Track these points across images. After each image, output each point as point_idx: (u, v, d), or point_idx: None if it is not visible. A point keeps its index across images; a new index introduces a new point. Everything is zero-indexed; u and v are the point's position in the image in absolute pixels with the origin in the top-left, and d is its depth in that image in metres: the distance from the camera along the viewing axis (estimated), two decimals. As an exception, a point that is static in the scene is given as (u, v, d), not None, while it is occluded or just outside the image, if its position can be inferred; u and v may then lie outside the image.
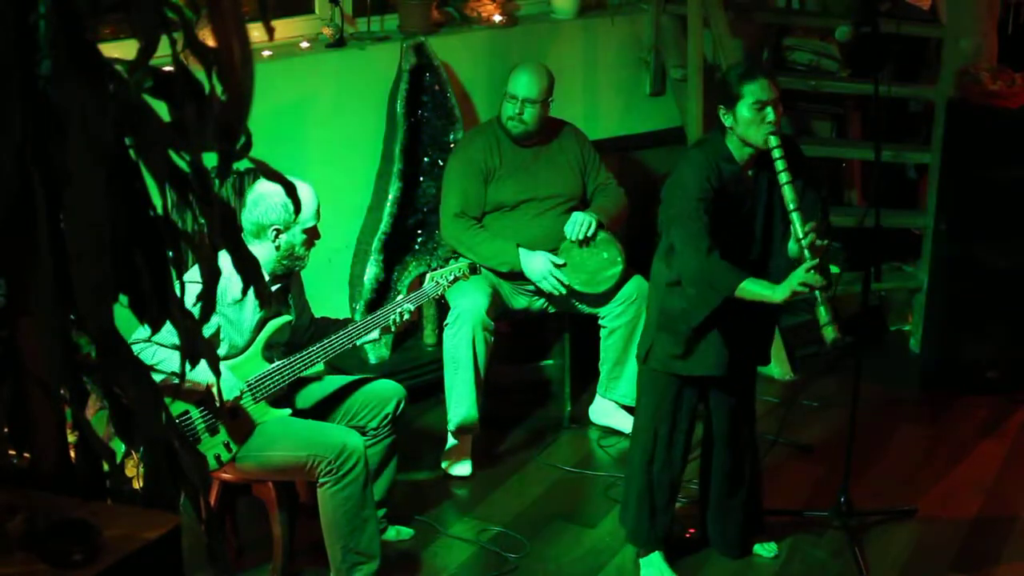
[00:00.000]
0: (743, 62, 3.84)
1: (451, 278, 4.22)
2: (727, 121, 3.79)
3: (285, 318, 3.92)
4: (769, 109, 3.73)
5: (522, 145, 4.96)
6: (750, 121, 3.74)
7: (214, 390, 3.68)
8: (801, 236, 3.68)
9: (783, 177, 3.72)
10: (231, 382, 3.76)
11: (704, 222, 3.72)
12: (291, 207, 3.76)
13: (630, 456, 4.15)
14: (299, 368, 3.90)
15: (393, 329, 4.04)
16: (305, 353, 3.91)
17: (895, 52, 6.04)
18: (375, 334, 4.04)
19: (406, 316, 4.04)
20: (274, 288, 3.91)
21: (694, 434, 4.08)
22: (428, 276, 4.23)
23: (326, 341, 3.93)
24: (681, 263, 3.78)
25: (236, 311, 3.81)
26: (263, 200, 3.82)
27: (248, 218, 3.85)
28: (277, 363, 3.88)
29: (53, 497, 2.24)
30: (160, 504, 2.28)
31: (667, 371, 3.95)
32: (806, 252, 3.67)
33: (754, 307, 3.85)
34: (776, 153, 3.73)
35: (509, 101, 4.90)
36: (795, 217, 3.70)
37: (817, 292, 3.65)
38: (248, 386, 3.82)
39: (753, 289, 3.70)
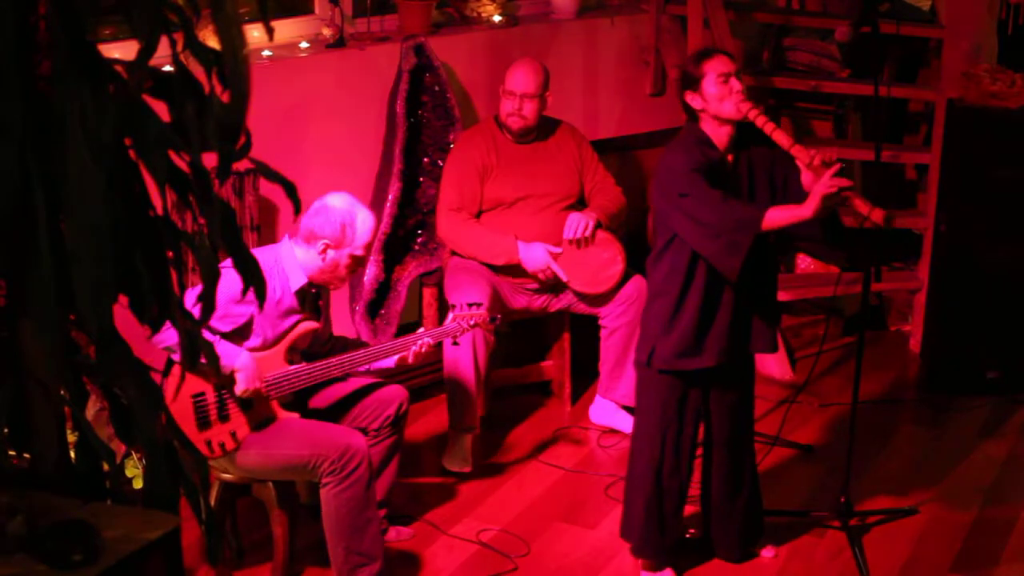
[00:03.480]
0: (697, 50, 3.94)
1: (472, 323, 4.21)
2: (696, 104, 3.82)
3: (313, 324, 3.95)
4: (734, 80, 3.77)
5: (520, 142, 4.98)
6: (719, 96, 3.77)
7: (237, 376, 3.73)
8: (809, 160, 3.69)
9: (768, 127, 3.74)
10: (254, 372, 3.78)
11: (705, 182, 3.72)
12: (348, 230, 3.87)
13: (633, 465, 4.09)
14: (316, 376, 3.93)
15: (411, 360, 4.05)
16: (324, 363, 3.93)
17: (895, 52, 6.04)
18: (392, 360, 4.06)
19: (424, 351, 4.06)
20: (312, 291, 3.98)
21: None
22: (451, 315, 4.22)
23: (346, 356, 3.97)
24: (701, 224, 3.72)
25: (275, 307, 3.85)
26: (326, 212, 3.88)
27: (306, 223, 3.90)
28: (296, 367, 3.90)
29: (53, 497, 2.24)
30: (160, 504, 2.28)
31: (672, 371, 3.92)
32: (822, 167, 3.66)
33: (754, 291, 3.86)
34: (752, 114, 3.75)
35: (507, 97, 4.91)
36: (796, 150, 3.72)
37: (847, 193, 3.65)
38: (266, 383, 3.84)
39: (781, 215, 3.71)
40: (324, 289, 4.06)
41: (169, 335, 3.61)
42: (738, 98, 3.77)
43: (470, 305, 4.26)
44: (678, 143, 3.87)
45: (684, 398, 3.97)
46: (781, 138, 3.74)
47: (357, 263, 3.98)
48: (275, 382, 3.87)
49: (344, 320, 5.09)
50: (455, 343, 4.34)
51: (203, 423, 3.76)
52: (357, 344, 4.15)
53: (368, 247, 3.98)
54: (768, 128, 3.74)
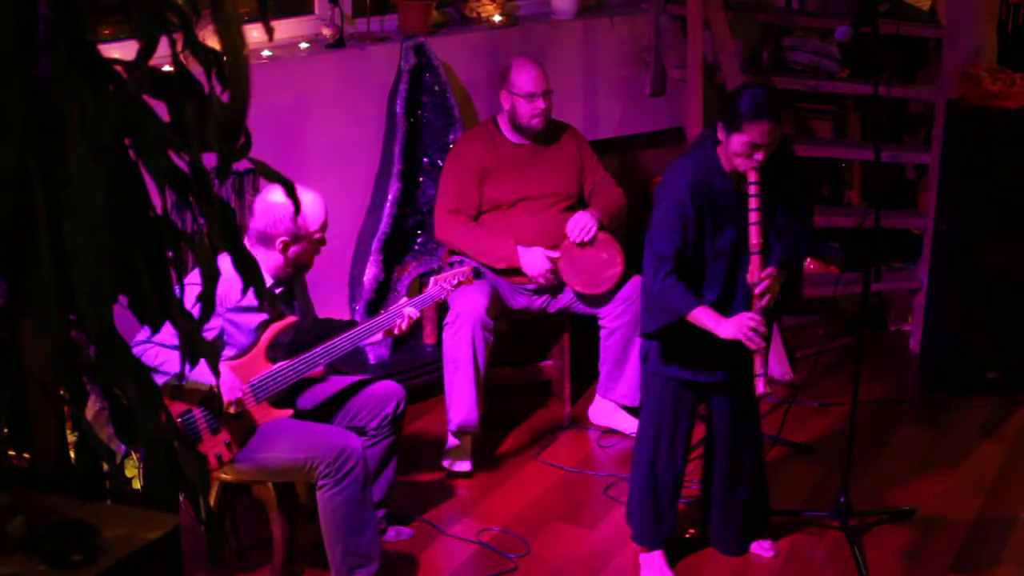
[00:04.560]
0: (757, 93, 3.82)
1: (455, 282, 4.22)
2: (720, 136, 3.84)
3: (289, 319, 3.93)
4: (760, 154, 3.77)
5: (536, 142, 4.97)
6: (738, 154, 3.79)
7: (216, 390, 3.70)
8: (757, 279, 3.79)
9: (752, 216, 3.79)
10: (232, 383, 3.77)
11: (674, 240, 3.80)
12: (301, 220, 3.83)
13: (634, 456, 4.17)
14: (302, 369, 3.91)
15: (396, 332, 4.05)
16: (309, 355, 3.91)
17: (895, 52, 6.04)
18: (378, 336, 4.05)
19: (410, 319, 4.05)
20: (277, 291, 3.93)
21: (693, 433, 4.10)
22: (432, 280, 4.23)
23: (329, 343, 3.94)
24: (644, 276, 3.91)
25: (239, 313, 3.82)
26: (273, 210, 3.83)
27: (255, 226, 3.86)
28: (280, 364, 3.89)
29: (53, 497, 2.24)
30: (160, 504, 2.28)
31: (666, 375, 3.97)
32: (756, 300, 3.78)
33: (748, 308, 3.88)
34: (753, 189, 3.78)
35: (525, 100, 4.89)
36: (754, 260, 3.79)
37: (757, 347, 3.78)
38: (251, 387, 3.83)
39: (702, 318, 3.81)
40: (296, 282, 4.02)
41: (146, 358, 3.60)
42: (752, 164, 3.78)
43: (451, 264, 4.24)
44: (691, 160, 3.88)
45: (680, 396, 4.01)
46: (753, 234, 3.78)
47: (320, 244, 3.94)
48: (260, 383, 3.85)
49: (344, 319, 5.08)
50: (444, 303, 4.30)
51: (195, 439, 3.73)
52: (344, 325, 4.12)
53: (325, 225, 3.92)
54: (752, 216, 3.77)
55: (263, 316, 3.86)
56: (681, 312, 3.80)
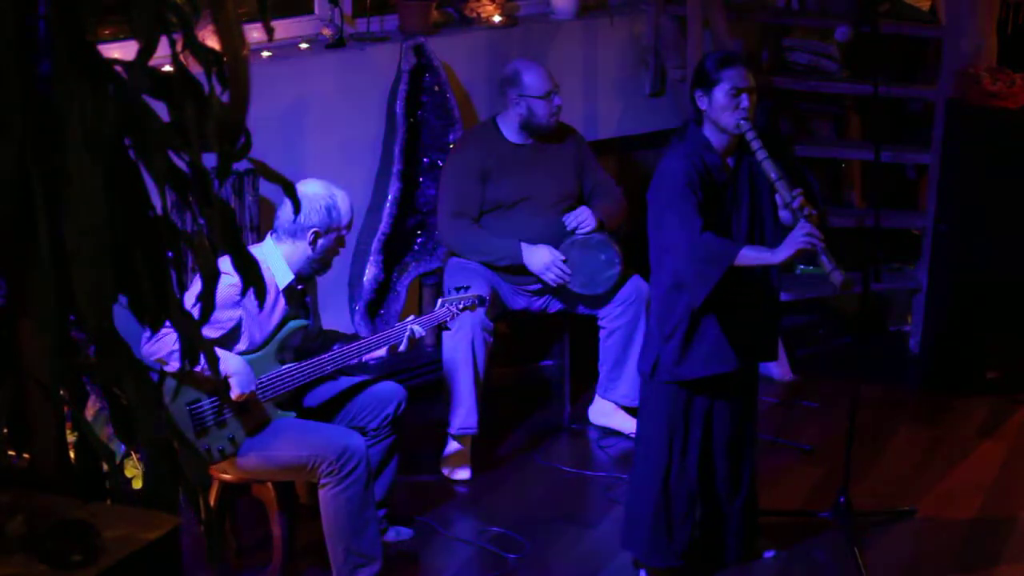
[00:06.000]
0: (720, 51, 3.90)
1: (461, 307, 4.23)
2: (701, 105, 3.84)
3: (302, 321, 3.94)
4: (744, 96, 3.78)
5: (532, 141, 4.97)
6: (724, 106, 3.79)
7: (231, 381, 3.71)
8: (790, 200, 3.72)
9: (760, 154, 3.76)
10: (248, 376, 3.78)
11: (694, 202, 3.75)
12: (333, 211, 3.88)
13: (639, 473, 4.05)
14: (308, 374, 3.92)
15: (401, 348, 4.05)
16: (316, 360, 3.92)
17: (895, 52, 6.04)
18: (383, 351, 4.06)
19: (415, 337, 4.07)
20: (299, 287, 3.96)
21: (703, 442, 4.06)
22: (439, 301, 4.24)
23: (336, 352, 3.96)
24: (676, 246, 3.79)
25: (261, 308, 3.84)
26: (307, 201, 3.87)
27: (287, 217, 3.88)
28: (288, 366, 3.90)
29: (53, 497, 2.24)
30: (160, 504, 2.28)
31: (677, 380, 3.91)
32: (798, 214, 3.71)
33: (755, 298, 3.87)
34: (749, 135, 3.77)
35: (545, 100, 4.89)
36: (780, 186, 3.74)
37: (817, 246, 3.68)
38: (259, 384, 3.83)
39: (752, 254, 3.74)
40: (310, 285, 4.05)
41: (160, 346, 3.61)
42: (741, 115, 3.79)
43: (458, 289, 4.27)
44: (679, 146, 3.87)
45: (690, 402, 3.95)
46: (769, 168, 3.75)
47: (342, 243, 3.99)
48: (268, 383, 3.87)
49: (344, 320, 5.09)
50: (446, 327, 4.33)
51: (200, 431, 3.75)
52: (349, 337, 4.14)
53: (351, 224, 4.00)
54: (760, 155, 3.76)
55: (282, 314, 3.88)
56: (730, 257, 3.71)
